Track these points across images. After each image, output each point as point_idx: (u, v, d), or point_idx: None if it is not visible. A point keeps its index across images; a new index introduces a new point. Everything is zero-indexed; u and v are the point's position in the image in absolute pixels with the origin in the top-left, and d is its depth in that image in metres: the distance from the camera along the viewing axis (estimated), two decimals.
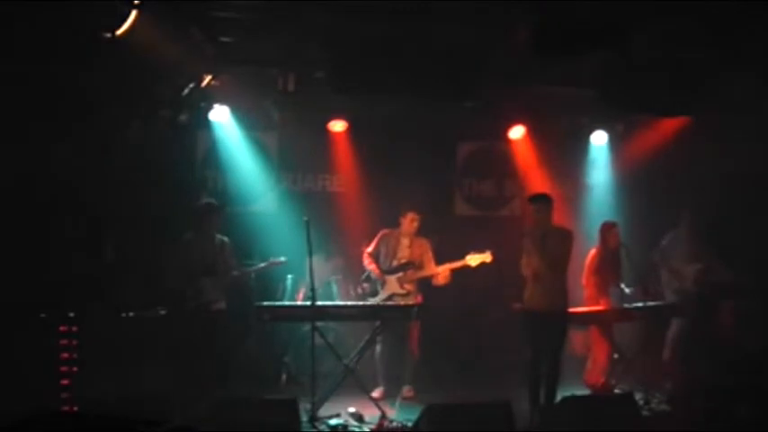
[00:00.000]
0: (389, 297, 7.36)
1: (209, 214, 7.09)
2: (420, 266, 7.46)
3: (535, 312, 6.53)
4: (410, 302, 7.26)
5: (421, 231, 7.66)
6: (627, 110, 8.15)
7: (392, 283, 7.42)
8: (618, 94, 7.22)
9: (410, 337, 7.44)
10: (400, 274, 7.42)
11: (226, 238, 7.11)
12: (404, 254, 7.51)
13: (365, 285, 7.56)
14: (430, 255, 7.54)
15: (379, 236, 7.63)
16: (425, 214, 7.64)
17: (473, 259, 7.33)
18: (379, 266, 7.48)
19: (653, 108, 7.62)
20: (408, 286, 7.40)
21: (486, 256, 7.32)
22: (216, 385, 6.63)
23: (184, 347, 6.69)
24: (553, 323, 6.54)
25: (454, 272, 7.44)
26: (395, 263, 7.49)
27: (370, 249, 7.61)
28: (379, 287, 7.45)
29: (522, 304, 6.70)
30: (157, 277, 7.14)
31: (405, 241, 7.54)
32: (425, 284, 7.62)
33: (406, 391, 7.35)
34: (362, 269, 7.72)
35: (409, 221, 7.49)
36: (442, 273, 7.42)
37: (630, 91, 7.15)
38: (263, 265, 7.31)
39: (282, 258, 7.37)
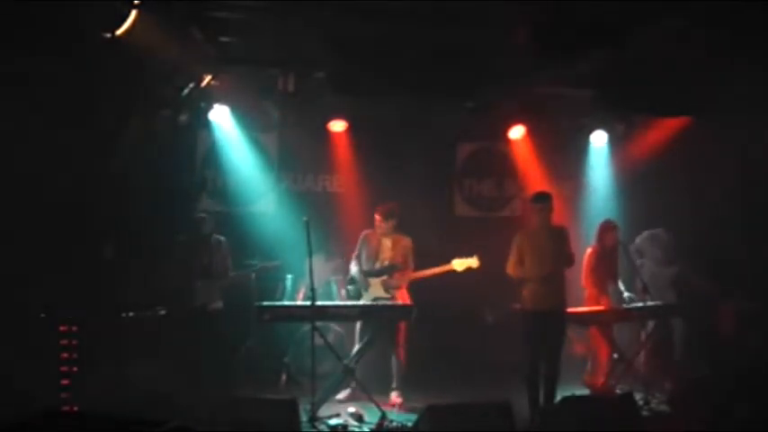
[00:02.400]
0: (374, 300, 7.18)
1: (198, 221, 7.17)
2: (404, 268, 7.25)
3: (535, 312, 6.54)
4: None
5: (421, 232, 7.63)
6: (627, 110, 8.16)
7: (376, 287, 7.23)
8: (618, 94, 7.22)
9: (396, 342, 7.27)
10: (384, 277, 7.21)
11: (222, 238, 7.12)
12: (386, 255, 7.28)
13: (349, 288, 7.35)
14: (411, 255, 7.33)
15: (361, 237, 7.44)
16: (402, 209, 7.41)
17: (459, 264, 7.20)
18: (361, 269, 7.31)
19: (653, 108, 7.63)
20: (393, 290, 7.22)
21: (473, 261, 7.20)
22: (216, 385, 6.64)
23: (183, 348, 6.69)
24: (553, 323, 6.54)
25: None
26: (377, 265, 7.28)
27: (356, 252, 7.42)
28: (362, 290, 7.29)
29: (521, 304, 6.70)
30: (156, 277, 7.15)
31: (387, 242, 7.30)
32: (421, 284, 7.58)
33: (395, 396, 7.19)
34: None
35: (380, 222, 7.26)
36: (424, 277, 7.24)
37: (631, 91, 7.15)
38: (256, 269, 7.33)
39: (276, 262, 7.35)
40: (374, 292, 7.23)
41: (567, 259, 6.67)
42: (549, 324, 6.51)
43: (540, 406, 6.48)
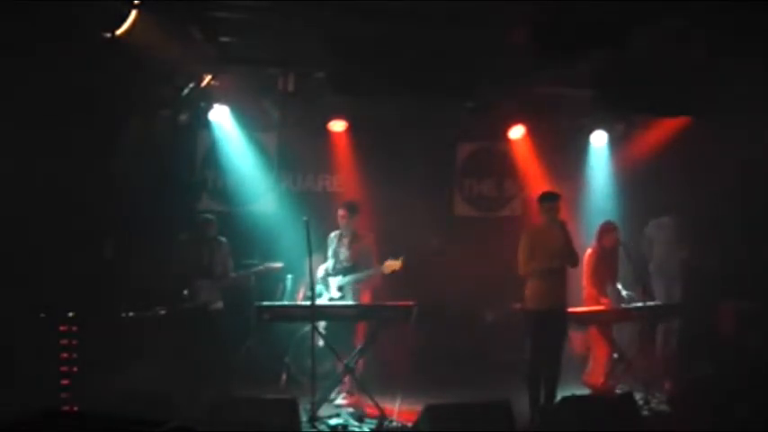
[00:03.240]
0: (330, 301, 7.17)
1: (205, 224, 7.13)
2: (364, 265, 7.18)
3: (536, 311, 6.54)
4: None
5: (421, 231, 7.61)
6: (627, 110, 8.16)
7: (333, 286, 7.26)
8: (618, 94, 7.22)
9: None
10: (339, 276, 7.22)
11: (223, 239, 7.12)
12: (345, 255, 7.31)
13: (317, 289, 7.19)
14: (372, 251, 7.29)
15: (329, 238, 7.45)
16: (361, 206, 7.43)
17: (386, 267, 7.10)
18: (326, 269, 7.34)
19: (653, 108, 7.62)
20: (347, 289, 7.18)
21: (397, 264, 7.07)
22: (216, 385, 6.64)
23: (183, 348, 6.69)
24: (554, 322, 6.55)
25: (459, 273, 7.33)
26: (338, 265, 7.30)
27: (329, 252, 7.43)
28: (325, 291, 7.29)
29: (523, 304, 6.70)
30: (155, 277, 7.15)
31: (345, 241, 7.33)
32: (424, 283, 7.53)
33: (342, 396, 7.11)
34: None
35: (340, 218, 7.28)
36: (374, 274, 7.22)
37: (631, 91, 7.15)
38: (259, 268, 7.33)
39: (278, 264, 7.34)
40: (331, 293, 7.25)
41: (573, 258, 6.67)
42: (550, 323, 6.51)
43: (540, 406, 6.48)
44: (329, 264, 7.39)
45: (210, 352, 6.90)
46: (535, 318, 6.55)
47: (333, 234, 7.47)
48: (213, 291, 7.14)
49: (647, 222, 8.34)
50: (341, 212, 7.31)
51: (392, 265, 7.06)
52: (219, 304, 7.24)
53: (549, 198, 6.70)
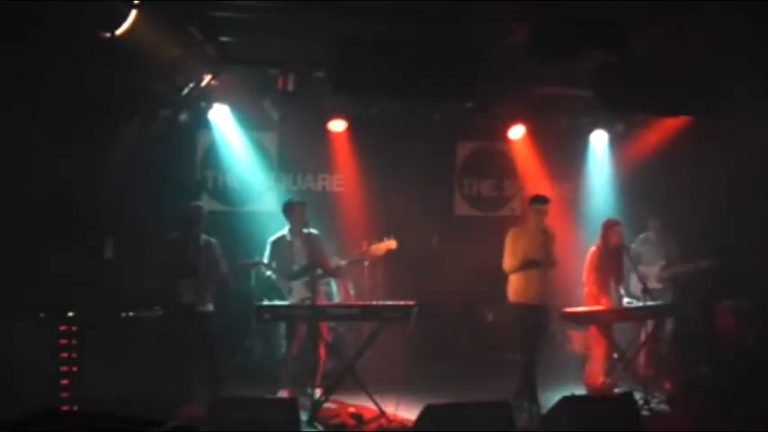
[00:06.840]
0: (302, 301, 6.94)
1: (196, 217, 7.07)
2: (320, 264, 7.05)
3: (519, 305, 6.80)
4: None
5: (421, 231, 7.61)
6: (626, 110, 8.16)
7: (299, 289, 7.08)
8: (617, 95, 7.21)
9: (320, 338, 7.04)
10: (306, 277, 6.98)
11: (213, 239, 7.05)
12: (301, 254, 7.11)
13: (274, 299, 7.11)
14: (322, 248, 7.22)
15: (269, 243, 7.23)
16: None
17: (378, 249, 7.11)
18: (280, 274, 7.16)
19: (653, 108, 7.63)
20: (318, 288, 7.03)
21: (391, 243, 7.14)
22: (214, 385, 6.63)
23: (178, 347, 6.68)
24: (535, 317, 6.81)
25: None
26: (295, 267, 7.13)
27: (265, 260, 7.21)
28: (285, 294, 7.13)
29: (507, 298, 6.87)
30: (155, 277, 7.13)
31: (297, 242, 7.16)
32: (425, 284, 7.53)
33: (318, 393, 6.84)
34: (362, 269, 7.69)
35: (296, 216, 7.15)
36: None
37: (630, 91, 7.15)
38: (242, 264, 7.29)
39: (257, 260, 7.29)
40: (299, 294, 7.05)
41: (551, 262, 6.92)
42: (531, 317, 6.78)
43: (539, 406, 6.51)
44: (281, 269, 7.16)
45: (210, 351, 6.89)
46: (517, 311, 6.81)
47: (273, 240, 7.23)
48: (200, 289, 7.05)
49: (639, 232, 8.33)
50: (300, 209, 7.19)
51: (385, 244, 7.08)
52: (209, 305, 7.16)
53: (538, 201, 6.91)
